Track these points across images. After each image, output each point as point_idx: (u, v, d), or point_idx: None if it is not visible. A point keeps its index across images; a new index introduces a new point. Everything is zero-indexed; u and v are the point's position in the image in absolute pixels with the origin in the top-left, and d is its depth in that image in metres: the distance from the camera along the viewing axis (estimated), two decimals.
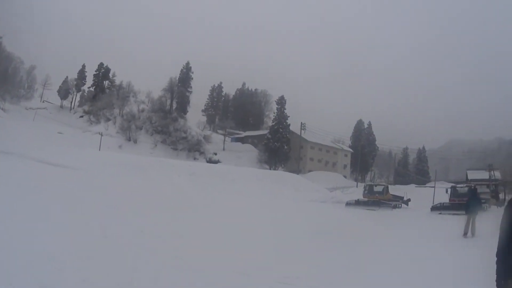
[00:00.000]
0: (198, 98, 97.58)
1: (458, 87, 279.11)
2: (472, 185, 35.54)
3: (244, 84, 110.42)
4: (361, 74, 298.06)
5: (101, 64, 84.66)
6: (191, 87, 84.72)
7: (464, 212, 17.94)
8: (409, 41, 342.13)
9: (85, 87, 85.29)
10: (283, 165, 73.64)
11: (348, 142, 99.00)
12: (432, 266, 9.88)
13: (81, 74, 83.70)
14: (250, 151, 79.36)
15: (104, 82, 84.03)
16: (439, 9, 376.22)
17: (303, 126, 74.12)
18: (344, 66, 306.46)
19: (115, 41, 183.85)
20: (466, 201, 19.54)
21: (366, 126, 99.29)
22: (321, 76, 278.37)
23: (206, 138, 78.17)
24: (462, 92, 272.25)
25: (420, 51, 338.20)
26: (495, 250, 3.51)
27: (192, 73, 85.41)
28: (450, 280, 8.29)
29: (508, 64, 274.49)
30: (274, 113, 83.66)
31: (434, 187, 52.10)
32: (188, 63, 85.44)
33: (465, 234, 16.42)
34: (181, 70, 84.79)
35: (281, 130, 75.78)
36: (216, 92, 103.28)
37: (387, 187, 39.58)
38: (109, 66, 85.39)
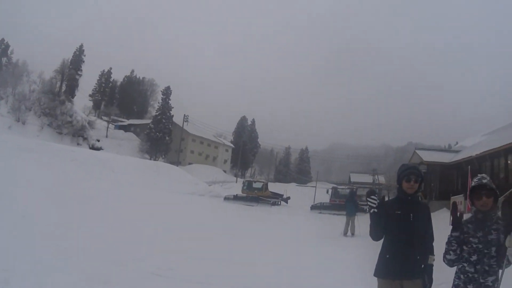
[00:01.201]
0: (88, 82, 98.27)
1: (343, 93, 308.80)
2: (354, 187, 39.11)
3: (133, 71, 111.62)
4: (250, 72, 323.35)
5: (2, 40, 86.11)
6: (81, 70, 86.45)
7: (344, 213, 19.79)
8: (299, 41, 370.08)
9: None
10: (163, 156, 77.85)
11: (231, 137, 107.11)
12: (309, 263, 10.89)
13: None
14: (133, 140, 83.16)
15: (2, 59, 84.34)
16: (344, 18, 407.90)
17: (186, 118, 77.30)
18: (234, 63, 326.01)
19: (23, 17, 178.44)
20: (344, 202, 21.71)
21: (249, 123, 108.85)
22: (210, 72, 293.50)
23: (91, 124, 79.97)
24: (349, 98, 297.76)
25: (311, 55, 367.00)
26: (372, 249, 4.53)
27: (84, 56, 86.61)
28: (330, 276, 9.24)
29: (397, 75, 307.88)
30: (158, 103, 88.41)
31: (315, 187, 57.00)
32: (81, 46, 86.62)
33: (345, 233, 18.15)
34: (74, 53, 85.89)
35: (164, 120, 79.92)
36: (105, 77, 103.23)
37: (267, 184, 42.97)
38: (10, 43, 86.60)
